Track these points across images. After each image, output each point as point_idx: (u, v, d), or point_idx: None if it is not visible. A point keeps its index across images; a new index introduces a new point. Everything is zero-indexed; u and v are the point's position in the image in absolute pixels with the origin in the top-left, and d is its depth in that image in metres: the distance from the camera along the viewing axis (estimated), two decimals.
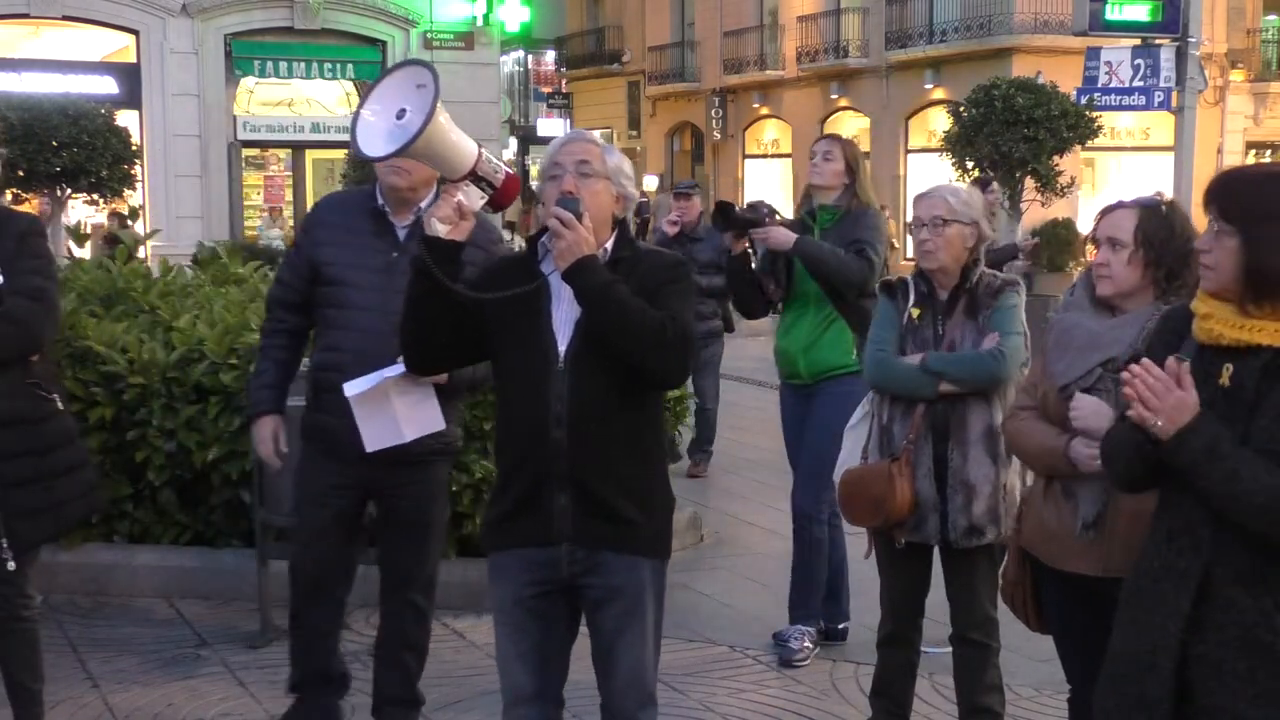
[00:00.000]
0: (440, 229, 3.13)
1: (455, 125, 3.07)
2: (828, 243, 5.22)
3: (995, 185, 9.52)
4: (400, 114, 3.02)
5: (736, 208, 5.35)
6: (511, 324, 3.19)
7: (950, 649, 4.26)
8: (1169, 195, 3.52)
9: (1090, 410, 3.19)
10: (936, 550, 4.16)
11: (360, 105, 3.10)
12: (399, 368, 3.78)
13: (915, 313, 4.13)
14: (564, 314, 3.17)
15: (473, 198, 3.16)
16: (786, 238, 5.18)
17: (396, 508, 4.20)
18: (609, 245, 3.24)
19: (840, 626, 5.57)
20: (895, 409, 4.11)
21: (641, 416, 3.27)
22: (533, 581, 3.25)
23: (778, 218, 5.35)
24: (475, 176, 3.14)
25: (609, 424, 3.16)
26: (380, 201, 4.11)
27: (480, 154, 3.15)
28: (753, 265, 5.40)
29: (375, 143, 3.04)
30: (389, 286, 3.90)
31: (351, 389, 3.90)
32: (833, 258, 5.15)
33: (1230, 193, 2.62)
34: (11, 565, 3.87)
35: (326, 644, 4.42)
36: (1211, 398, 2.59)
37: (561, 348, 3.16)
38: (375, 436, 3.97)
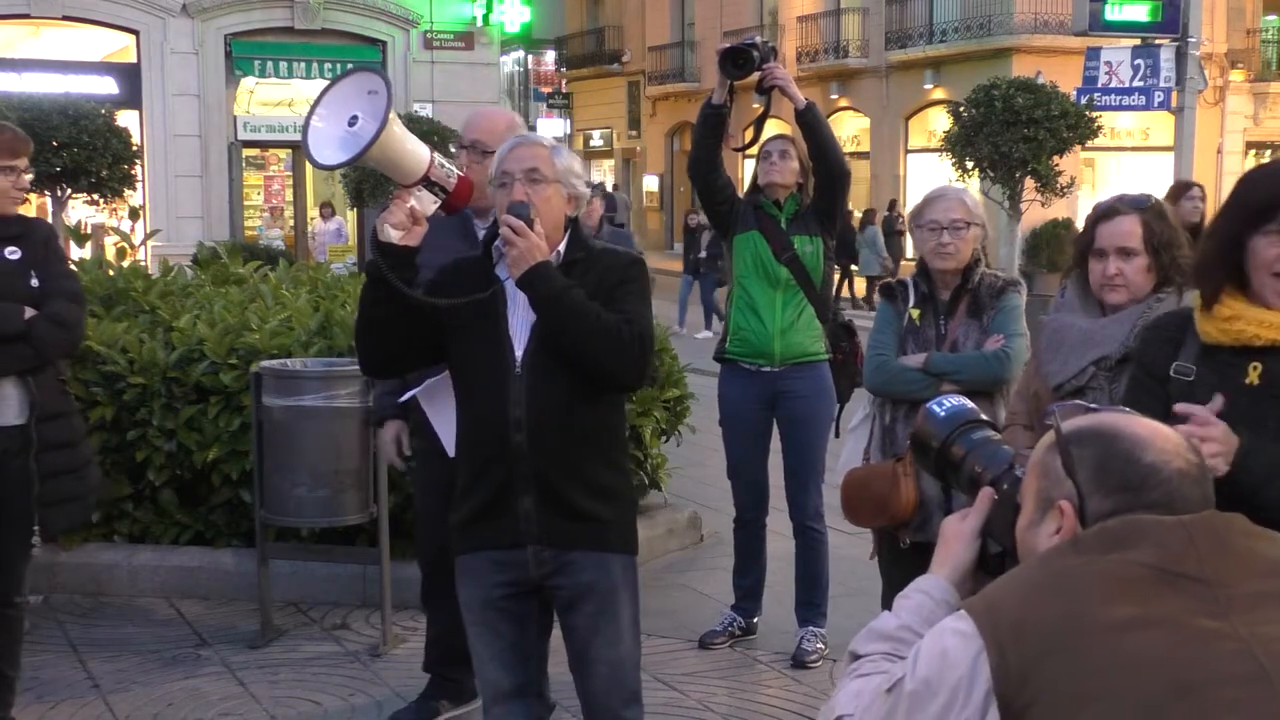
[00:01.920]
0: (393, 235, 3.10)
1: (409, 132, 3.08)
2: (795, 229, 5.24)
3: (1198, 189, 8.94)
4: (352, 121, 3.00)
5: (754, 49, 5.15)
6: (468, 329, 3.18)
7: None
8: (1158, 195, 3.52)
9: None
10: None
11: (310, 112, 3.05)
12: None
13: (915, 314, 4.13)
14: (520, 319, 3.17)
15: (425, 202, 3.14)
16: (798, 92, 5.24)
17: None
18: (561, 248, 3.21)
19: (755, 620, 5.62)
20: (898, 410, 4.10)
21: (602, 415, 3.25)
22: (501, 583, 3.24)
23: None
24: (428, 182, 3.13)
25: (570, 426, 3.15)
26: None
27: (433, 159, 3.13)
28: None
29: (327, 151, 3.01)
30: None
31: (415, 390, 3.92)
32: (834, 135, 5.26)
33: None
34: (37, 551, 4.03)
35: (455, 625, 4.42)
36: (1238, 399, 2.56)
37: (519, 353, 3.15)
38: (451, 439, 3.99)
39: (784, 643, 5.43)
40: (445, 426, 3.95)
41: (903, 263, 23.68)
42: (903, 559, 4.13)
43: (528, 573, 3.22)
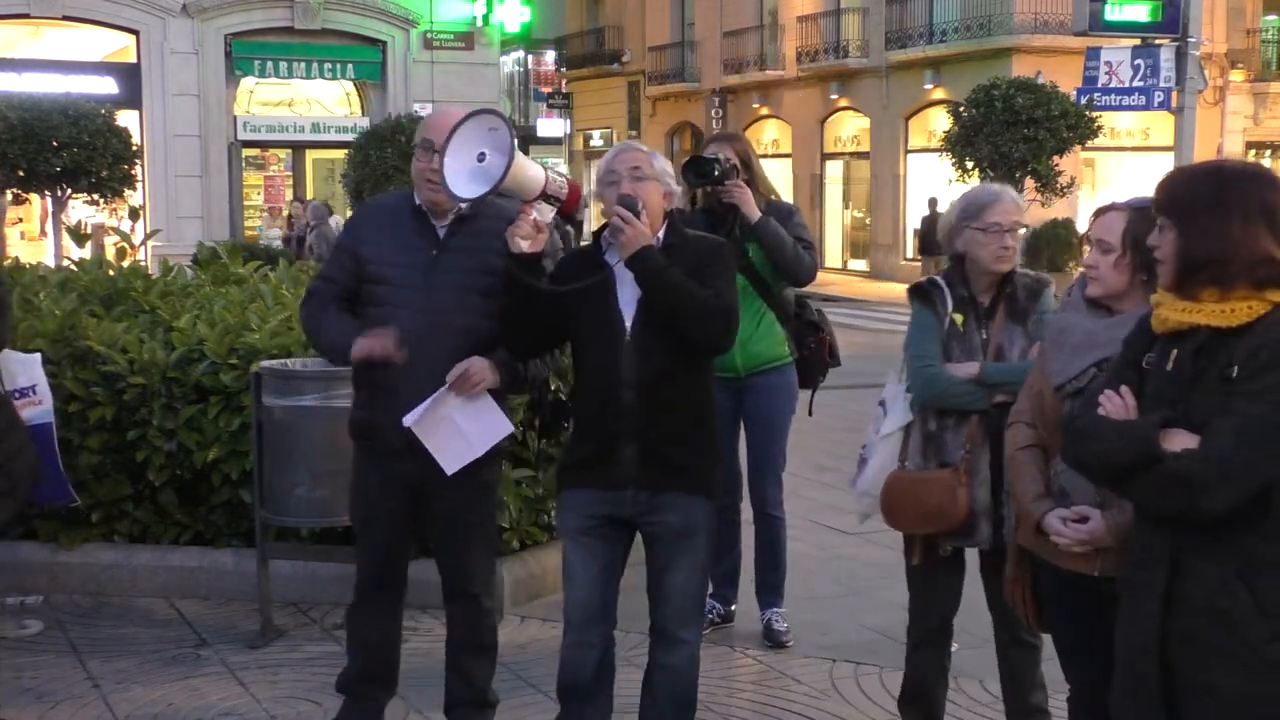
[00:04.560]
0: (523, 245, 3.69)
1: (525, 157, 3.63)
2: (749, 233, 5.22)
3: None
4: (481, 157, 3.58)
5: (716, 163, 5.17)
6: (587, 308, 3.74)
7: (952, 648, 4.25)
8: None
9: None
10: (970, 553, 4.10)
11: (442, 156, 3.64)
12: (445, 386, 3.93)
13: (959, 319, 4.02)
14: (628, 296, 3.70)
15: (545, 213, 3.73)
16: (754, 209, 5.18)
17: (439, 509, 4.16)
18: (660, 234, 3.77)
19: (732, 608, 5.73)
20: (947, 418, 4.00)
21: (697, 378, 3.81)
22: (596, 515, 3.79)
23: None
24: (545, 195, 3.71)
25: (669, 386, 3.71)
26: (419, 201, 4.13)
27: (548, 176, 3.71)
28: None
29: (467, 186, 3.58)
30: (431, 284, 3.98)
31: (410, 419, 3.94)
32: (791, 247, 5.20)
33: (1166, 190, 2.84)
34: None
35: (386, 640, 4.37)
36: (1161, 384, 2.75)
37: (628, 324, 3.70)
38: (451, 458, 4.00)
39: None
40: (441, 450, 4.00)
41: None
42: (942, 565, 4.09)
43: (624, 510, 3.78)
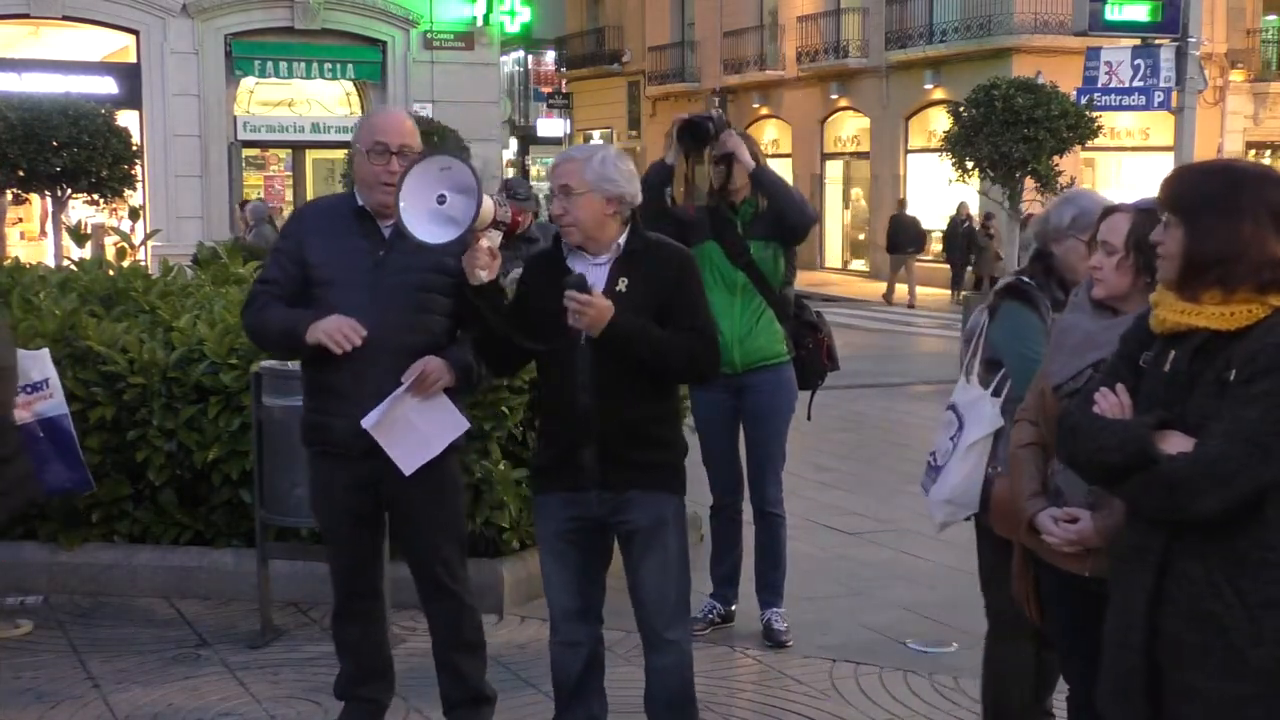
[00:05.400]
0: (482, 275, 3.74)
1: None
2: (752, 232, 5.31)
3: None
4: (440, 199, 3.62)
5: (709, 120, 5.25)
6: (545, 319, 3.75)
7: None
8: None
9: None
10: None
11: (398, 201, 3.64)
12: (403, 387, 3.95)
13: None
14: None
15: (494, 238, 3.80)
16: (748, 157, 5.25)
17: (402, 509, 4.15)
18: (621, 240, 3.78)
19: (733, 608, 5.73)
20: None
21: (654, 379, 3.82)
22: (569, 518, 3.85)
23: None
24: (495, 223, 3.78)
25: (626, 387, 3.73)
26: (361, 202, 4.10)
27: (496, 204, 3.76)
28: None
29: (428, 229, 3.62)
30: (378, 284, 3.97)
31: (369, 421, 3.95)
32: (795, 190, 5.28)
33: (1174, 186, 2.80)
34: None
35: (370, 642, 4.36)
36: (1156, 386, 2.73)
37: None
38: (409, 458, 4.02)
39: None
40: (398, 449, 4.00)
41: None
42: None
43: (592, 511, 3.82)
